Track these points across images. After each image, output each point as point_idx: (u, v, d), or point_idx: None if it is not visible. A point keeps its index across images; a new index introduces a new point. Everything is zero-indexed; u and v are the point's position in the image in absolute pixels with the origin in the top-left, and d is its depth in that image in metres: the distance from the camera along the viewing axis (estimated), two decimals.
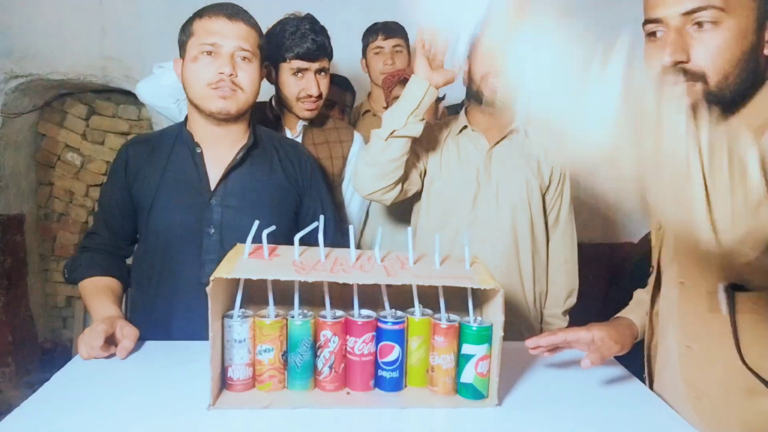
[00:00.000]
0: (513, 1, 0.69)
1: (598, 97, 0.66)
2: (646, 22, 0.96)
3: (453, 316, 1.10)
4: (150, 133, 1.57)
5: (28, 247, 3.07)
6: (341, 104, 2.19)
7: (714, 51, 0.88)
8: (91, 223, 1.76)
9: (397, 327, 1.08)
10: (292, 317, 1.07)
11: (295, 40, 1.67)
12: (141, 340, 1.26)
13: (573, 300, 1.74)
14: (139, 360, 1.21)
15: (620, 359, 1.26)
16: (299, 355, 1.06)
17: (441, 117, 2.17)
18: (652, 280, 1.12)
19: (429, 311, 1.11)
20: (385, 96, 2.04)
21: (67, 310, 3.24)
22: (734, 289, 0.89)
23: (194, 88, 1.39)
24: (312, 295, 1.11)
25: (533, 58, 0.67)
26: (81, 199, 3.18)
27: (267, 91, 1.65)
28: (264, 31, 1.52)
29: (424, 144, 1.66)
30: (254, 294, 1.09)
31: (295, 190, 1.53)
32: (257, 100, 1.48)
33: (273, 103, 1.82)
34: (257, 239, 1.09)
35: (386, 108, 1.82)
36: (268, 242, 1.10)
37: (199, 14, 1.40)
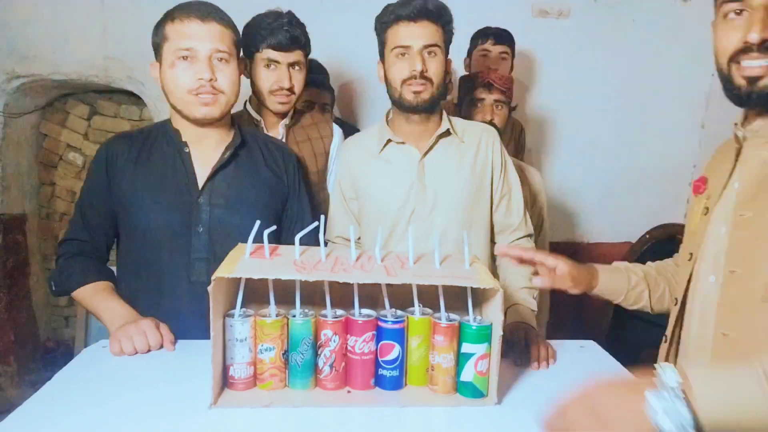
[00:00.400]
0: None
1: None
2: (725, 1, 0.98)
3: (453, 316, 1.10)
4: (131, 130, 1.55)
5: (30, 246, 3.08)
6: (320, 104, 2.19)
7: None
8: None
9: (397, 326, 1.09)
10: (293, 316, 1.07)
11: (268, 31, 1.66)
12: None
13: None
14: (140, 359, 1.21)
15: (625, 356, 1.27)
16: (300, 354, 1.07)
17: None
18: (689, 268, 1.10)
19: (429, 310, 1.12)
20: (459, 95, 2.00)
21: (69, 310, 3.25)
22: None
23: (175, 94, 1.38)
24: (313, 295, 1.11)
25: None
26: None
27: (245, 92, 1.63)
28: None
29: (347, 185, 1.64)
30: (255, 293, 1.10)
31: (280, 189, 1.53)
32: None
33: (250, 105, 1.81)
34: (258, 239, 1.10)
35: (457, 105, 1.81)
36: (252, 242, 1.10)
37: (171, 16, 1.37)
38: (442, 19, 1.49)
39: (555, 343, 1.35)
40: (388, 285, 1.11)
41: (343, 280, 1.02)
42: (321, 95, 2.19)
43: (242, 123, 1.64)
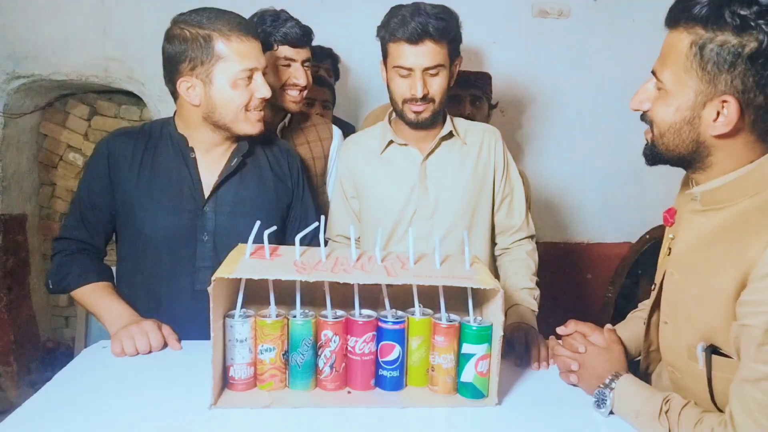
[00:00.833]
0: None
1: None
2: None
3: (453, 316, 1.10)
4: (131, 128, 1.51)
5: (31, 247, 3.08)
6: (321, 101, 2.18)
7: None
8: None
9: (397, 327, 1.09)
10: (294, 317, 1.07)
11: (281, 26, 1.62)
12: None
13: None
14: (140, 359, 1.21)
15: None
16: (300, 354, 1.07)
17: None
18: (651, 297, 1.13)
19: (429, 311, 1.12)
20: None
21: (69, 310, 3.25)
22: (712, 351, 0.93)
23: (228, 111, 1.35)
24: (313, 295, 1.11)
25: None
26: None
27: None
28: None
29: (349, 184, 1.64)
30: (256, 294, 1.10)
31: (285, 194, 1.52)
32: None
33: None
34: (258, 239, 1.10)
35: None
36: (253, 242, 1.10)
37: (222, 34, 1.31)
38: (446, 38, 1.44)
39: None
40: (389, 285, 1.11)
41: (344, 280, 1.02)
42: (321, 92, 2.18)
43: None
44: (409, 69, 1.44)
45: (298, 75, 1.66)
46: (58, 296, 3.20)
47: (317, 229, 1.11)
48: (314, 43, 1.74)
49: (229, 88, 1.33)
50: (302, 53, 1.67)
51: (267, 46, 1.60)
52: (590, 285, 3.07)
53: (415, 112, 1.49)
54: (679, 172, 1.07)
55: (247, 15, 1.50)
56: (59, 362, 1.21)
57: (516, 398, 1.12)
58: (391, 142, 1.58)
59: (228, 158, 1.44)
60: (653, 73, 0.97)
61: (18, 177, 3.00)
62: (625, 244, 3.02)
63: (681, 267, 1.02)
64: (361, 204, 1.64)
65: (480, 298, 1.15)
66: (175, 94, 1.40)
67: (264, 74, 1.39)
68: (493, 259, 1.68)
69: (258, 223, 1.10)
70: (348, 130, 2.07)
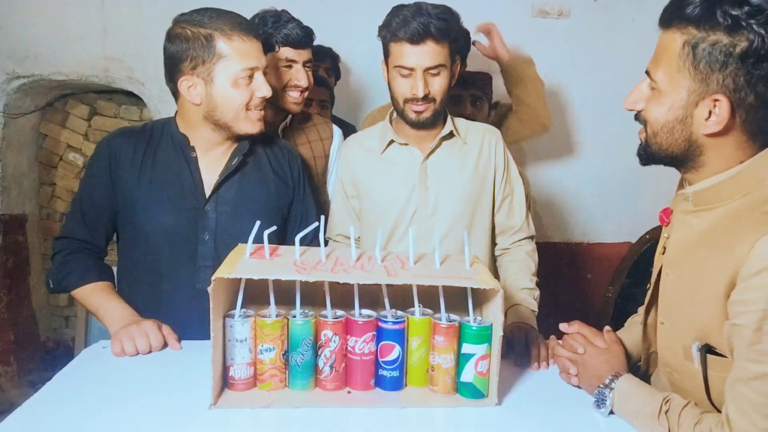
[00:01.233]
0: None
1: None
2: None
3: (453, 316, 1.10)
4: (132, 127, 1.52)
5: (31, 246, 3.08)
6: (318, 101, 2.18)
7: None
8: None
9: (397, 326, 1.09)
10: (293, 317, 1.07)
11: (282, 27, 1.62)
12: None
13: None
14: (140, 359, 1.21)
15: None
16: (300, 354, 1.07)
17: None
18: (647, 297, 1.14)
19: (429, 311, 1.12)
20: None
21: (69, 310, 3.25)
22: (707, 351, 0.94)
23: (229, 110, 1.36)
24: (313, 295, 1.11)
25: None
26: None
27: None
28: None
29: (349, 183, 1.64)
30: (255, 294, 1.10)
31: (285, 193, 1.53)
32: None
33: None
34: (258, 239, 1.10)
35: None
36: (253, 242, 1.10)
37: (224, 33, 1.31)
38: (447, 38, 1.44)
39: None
40: (389, 285, 1.11)
41: (344, 280, 1.02)
42: (319, 92, 2.18)
43: None
44: (411, 69, 1.44)
45: (299, 76, 1.66)
46: (58, 296, 3.20)
47: (317, 228, 1.11)
48: (315, 42, 1.75)
49: (230, 87, 1.34)
50: (303, 54, 1.67)
51: (268, 48, 1.59)
52: (590, 285, 3.07)
53: (416, 112, 1.49)
54: (678, 173, 1.07)
55: (248, 15, 1.50)
56: (59, 362, 1.21)
57: (516, 398, 1.12)
58: (391, 141, 1.58)
59: (229, 157, 1.44)
60: (647, 73, 0.98)
61: (18, 177, 3.00)
62: (625, 244, 3.02)
63: (675, 267, 1.02)
64: (362, 204, 1.64)
65: (480, 298, 1.15)
66: (176, 93, 1.40)
67: (265, 74, 1.39)
68: (493, 259, 1.68)
69: (258, 223, 1.10)
70: (348, 130, 2.07)
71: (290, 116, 1.78)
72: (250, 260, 1.07)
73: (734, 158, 0.93)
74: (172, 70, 1.36)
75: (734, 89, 0.87)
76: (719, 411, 0.92)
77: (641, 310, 1.30)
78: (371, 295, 1.13)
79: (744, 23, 0.84)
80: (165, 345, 1.26)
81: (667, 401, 0.95)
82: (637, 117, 1.02)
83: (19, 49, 2.71)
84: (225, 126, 1.38)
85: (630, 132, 1.06)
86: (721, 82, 0.87)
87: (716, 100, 0.89)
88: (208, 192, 1.41)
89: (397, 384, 1.11)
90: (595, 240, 3.05)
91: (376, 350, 1.10)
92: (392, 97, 1.53)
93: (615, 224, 3.02)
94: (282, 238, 1.48)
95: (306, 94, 1.72)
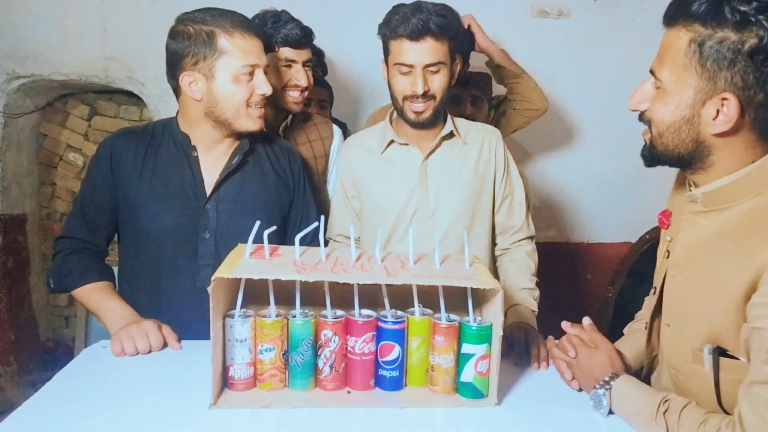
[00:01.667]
0: None
1: None
2: None
3: (453, 316, 1.10)
4: (134, 127, 1.53)
5: (30, 246, 3.08)
6: (317, 101, 2.18)
7: None
8: None
9: (397, 326, 1.09)
10: (293, 317, 1.07)
11: (282, 27, 1.63)
12: None
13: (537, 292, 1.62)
14: (140, 359, 1.21)
15: None
16: (300, 354, 1.07)
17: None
18: (652, 301, 1.13)
19: (429, 311, 1.12)
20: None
21: (69, 310, 3.25)
22: (720, 354, 0.93)
23: (229, 106, 1.36)
24: (313, 295, 1.11)
25: None
26: None
27: None
28: None
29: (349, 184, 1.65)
30: (255, 294, 1.10)
31: (286, 193, 1.53)
32: None
33: None
34: (258, 239, 1.10)
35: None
36: (253, 242, 1.10)
37: (225, 30, 1.33)
38: (447, 35, 1.44)
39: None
40: (389, 285, 1.11)
41: (343, 280, 1.02)
42: (318, 92, 2.18)
43: None
44: (410, 66, 1.44)
45: (299, 76, 1.67)
46: (58, 296, 3.20)
47: (317, 228, 1.11)
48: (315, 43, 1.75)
49: (231, 83, 1.35)
50: (303, 54, 1.67)
51: (268, 48, 1.60)
52: (590, 285, 3.07)
53: (416, 112, 1.49)
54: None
55: (248, 15, 1.51)
56: (59, 362, 1.21)
57: (516, 398, 1.12)
58: (391, 141, 1.58)
59: (229, 156, 1.44)
60: (651, 72, 0.96)
61: (18, 177, 3.00)
62: (625, 244, 3.02)
63: (683, 269, 1.01)
64: (362, 204, 1.64)
65: (480, 298, 1.15)
66: (177, 90, 1.41)
67: (265, 73, 1.39)
68: (493, 259, 1.68)
69: (258, 223, 1.10)
70: (342, 129, 2.07)
71: (290, 116, 1.78)
72: (250, 260, 1.07)
73: (744, 158, 0.92)
74: (174, 66, 1.37)
75: (743, 87, 0.86)
76: (728, 413, 0.92)
77: (638, 316, 1.30)
78: (371, 295, 1.13)
79: (753, 19, 0.82)
80: (165, 345, 1.26)
81: (666, 401, 0.95)
82: (641, 117, 1.01)
83: (19, 49, 2.71)
84: (225, 122, 1.39)
85: (630, 132, 1.06)
86: (729, 80, 0.86)
87: (724, 98, 0.87)
88: (208, 191, 1.42)
89: (396, 384, 1.11)
90: (595, 240, 3.05)
91: (376, 350, 1.10)
92: (392, 96, 1.53)
93: (615, 224, 3.01)
94: (282, 237, 1.49)
95: (306, 93, 1.72)
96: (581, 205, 3.01)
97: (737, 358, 0.90)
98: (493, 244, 1.66)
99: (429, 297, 1.11)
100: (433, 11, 1.41)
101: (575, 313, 1.36)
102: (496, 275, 1.63)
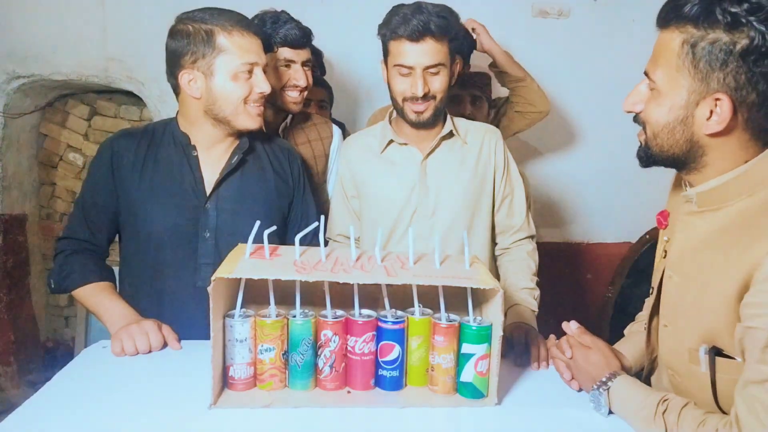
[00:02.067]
0: None
1: None
2: None
3: (453, 316, 1.10)
4: (134, 128, 1.53)
5: (31, 246, 3.07)
6: (317, 101, 2.18)
7: None
8: None
9: (397, 326, 1.09)
10: (293, 317, 1.07)
11: (281, 28, 1.63)
12: None
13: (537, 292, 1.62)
14: (140, 359, 1.21)
15: None
16: (300, 354, 1.07)
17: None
18: (651, 301, 1.13)
19: (429, 311, 1.12)
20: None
21: (69, 310, 3.24)
22: (716, 353, 0.93)
23: (228, 103, 1.37)
24: (313, 295, 1.11)
25: None
26: None
27: None
28: None
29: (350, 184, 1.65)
30: (255, 294, 1.10)
31: (286, 192, 1.53)
32: None
33: None
34: (258, 239, 1.10)
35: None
36: (253, 242, 1.10)
37: (224, 29, 1.34)
38: (447, 36, 1.44)
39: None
40: (388, 285, 1.11)
41: (343, 280, 1.02)
42: (317, 92, 2.18)
43: None
44: (410, 68, 1.44)
45: (298, 76, 1.67)
46: (59, 296, 3.20)
47: (317, 228, 1.11)
48: (315, 43, 1.75)
49: (230, 80, 1.35)
50: (302, 54, 1.68)
51: (267, 48, 1.60)
52: (590, 285, 3.07)
53: (416, 112, 1.49)
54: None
55: (248, 15, 1.51)
56: (59, 362, 1.21)
57: (516, 398, 1.12)
58: (391, 141, 1.58)
59: (229, 156, 1.45)
60: (646, 73, 0.97)
61: (18, 177, 3.00)
62: (625, 244, 3.02)
63: (679, 269, 1.01)
64: (361, 203, 1.64)
65: (480, 298, 1.15)
66: (176, 89, 1.41)
67: (264, 72, 1.40)
68: (494, 259, 1.68)
69: (258, 222, 1.10)
70: (341, 129, 2.07)
71: (290, 116, 1.78)
72: (250, 260, 1.07)
73: (738, 158, 0.93)
74: (173, 65, 1.38)
75: (735, 88, 0.86)
76: (725, 413, 0.92)
77: (639, 317, 1.30)
78: (371, 295, 1.13)
79: (744, 20, 0.83)
80: (165, 345, 1.26)
81: (665, 401, 0.95)
82: (636, 119, 1.01)
83: (19, 49, 2.71)
84: (224, 120, 1.39)
85: (630, 132, 1.06)
86: (721, 80, 0.87)
87: (717, 99, 0.88)
88: (208, 190, 1.42)
89: (396, 384, 1.11)
90: (595, 240, 3.05)
91: (376, 350, 1.10)
92: (392, 97, 1.53)
93: (615, 224, 3.01)
94: (282, 237, 1.49)
95: (305, 93, 1.72)
96: (581, 204, 3.01)
97: (733, 358, 0.90)
98: (493, 243, 1.66)
99: (429, 297, 1.11)
100: (434, 12, 1.41)
101: (575, 313, 1.36)
102: (496, 275, 1.63)
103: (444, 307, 1.10)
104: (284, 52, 1.65)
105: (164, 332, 1.27)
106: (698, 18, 0.86)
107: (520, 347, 1.29)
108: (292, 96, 1.68)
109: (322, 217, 1.14)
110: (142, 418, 0.98)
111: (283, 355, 1.07)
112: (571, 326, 1.22)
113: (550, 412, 1.07)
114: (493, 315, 1.07)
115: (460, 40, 1.51)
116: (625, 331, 1.31)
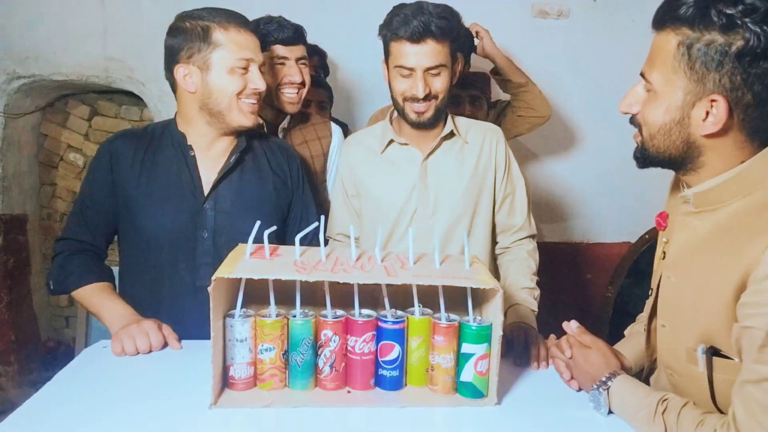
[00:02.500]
0: None
1: None
2: None
3: (453, 316, 1.10)
4: (133, 129, 1.53)
5: (31, 246, 3.08)
6: (317, 101, 2.19)
7: None
8: None
9: (397, 326, 1.09)
10: (293, 316, 1.07)
11: (273, 27, 1.65)
12: None
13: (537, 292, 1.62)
14: (140, 359, 1.22)
15: None
16: (300, 354, 1.07)
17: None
18: (650, 302, 1.13)
19: (429, 311, 1.12)
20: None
21: (70, 310, 3.25)
22: (713, 354, 0.93)
23: (223, 97, 1.37)
24: (313, 295, 1.11)
25: None
26: None
27: None
28: None
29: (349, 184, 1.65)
30: (256, 293, 1.10)
31: (285, 192, 1.53)
32: None
33: None
34: (258, 239, 1.10)
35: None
36: (253, 242, 1.10)
37: (221, 25, 1.35)
38: (448, 37, 1.43)
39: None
40: (389, 285, 1.11)
41: (343, 280, 1.02)
42: (317, 93, 2.18)
43: None
44: (411, 69, 1.44)
45: (292, 72, 1.68)
46: (59, 296, 3.20)
47: (317, 228, 1.11)
48: (312, 42, 1.75)
49: (225, 74, 1.36)
50: (295, 51, 1.69)
51: (262, 48, 1.61)
52: (590, 285, 3.07)
53: (417, 113, 1.49)
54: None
55: (248, 15, 1.51)
56: (59, 362, 1.21)
57: (516, 398, 1.12)
58: (391, 141, 1.58)
59: (227, 156, 1.45)
60: (642, 75, 0.97)
61: (18, 177, 3.00)
62: (625, 244, 3.02)
63: (677, 270, 1.02)
64: (362, 203, 1.64)
65: (479, 297, 1.15)
66: (174, 86, 1.42)
67: (261, 72, 1.40)
68: (494, 258, 1.68)
69: (258, 223, 1.10)
70: (342, 130, 2.08)
71: (289, 117, 1.78)
72: (250, 260, 1.08)
73: (734, 158, 0.93)
74: (170, 60, 1.39)
75: (731, 89, 0.87)
76: (723, 413, 0.92)
77: (639, 318, 1.30)
78: (371, 295, 1.13)
79: (739, 22, 0.83)
80: (165, 345, 1.26)
81: (664, 401, 0.95)
82: (632, 120, 1.02)
83: (19, 49, 2.71)
84: (219, 115, 1.39)
85: (630, 132, 1.06)
86: (717, 81, 0.87)
87: (713, 100, 0.88)
88: (206, 190, 1.42)
89: (396, 384, 1.11)
90: (595, 240, 3.05)
91: (376, 350, 1.10)
92: (392, 97, 1.53)
93: (615, 224, 3.02)
94: (282, 237, 1.49)
95: (303, 92, 1.73)
96: (581, 204, 3.01)
97: (731, 358, 0.90)
98: (494, 243, 1.66)
99: (429, 297, 1.11)
100: (435, 13, 1.40)
101: (575, 313, 1.36)
102: (497, 274, 1.63)
103: (444, 307, 1.10)
104: (277, 50, 1.67)
105: (164, 332, 1.27)
106: (694, 19, 0.87)
107: (519, 347, 1.29)
108: (289, 95, 1.69)
109: (322, 217, 1.14)
110: (143, 418, 0.98)
111: (283, 354, 1.08)
112: (571, 326, 1.22)
113: (550, 411, 1.07)
114: (493, 315, 1.07)
115: (461, 40, 1.51)
116: (626, 332, 1.31)
